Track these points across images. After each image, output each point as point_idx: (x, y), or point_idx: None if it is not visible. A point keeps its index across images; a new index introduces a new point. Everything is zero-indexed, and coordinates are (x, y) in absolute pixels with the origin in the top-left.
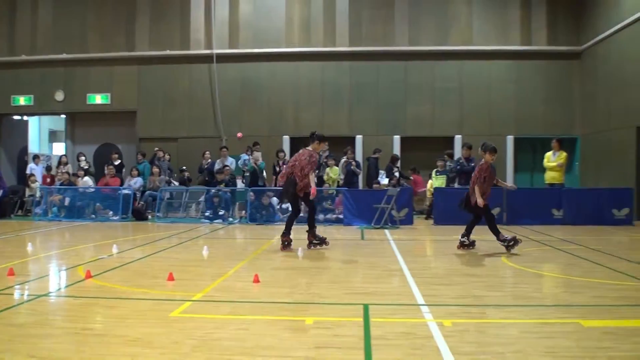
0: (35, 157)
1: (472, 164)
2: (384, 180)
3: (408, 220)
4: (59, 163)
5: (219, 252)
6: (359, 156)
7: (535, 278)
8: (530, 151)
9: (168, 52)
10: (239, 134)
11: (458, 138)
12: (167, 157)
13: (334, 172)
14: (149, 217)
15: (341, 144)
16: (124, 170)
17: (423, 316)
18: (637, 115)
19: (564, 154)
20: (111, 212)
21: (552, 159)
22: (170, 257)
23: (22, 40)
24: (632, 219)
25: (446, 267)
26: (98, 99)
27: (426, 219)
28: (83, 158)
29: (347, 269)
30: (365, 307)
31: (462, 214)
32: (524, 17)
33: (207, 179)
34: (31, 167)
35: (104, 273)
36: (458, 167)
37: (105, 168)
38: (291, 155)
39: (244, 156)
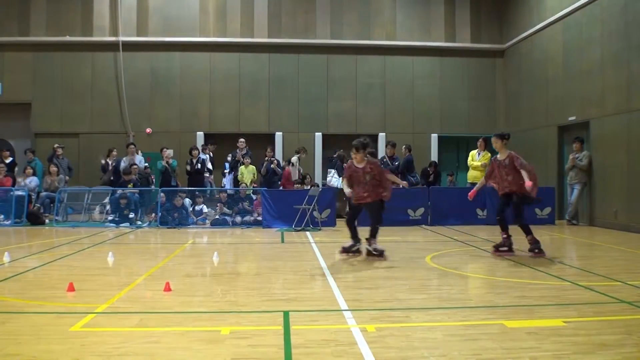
0: None
1: (396, 163)
2: (335, 181)
3: (330, 222)
4: None
5: (126, 259)
6: (279, 155)
7: (459, 279)
8: (454, 150)
9: (68, 38)
10: (148, 130)
11: (382, 136)
12: (137, 152)
13: (249, 172)
14: (47, 221)
15: (260, 141)
16: (16, 169)
17: (346, 322)
18: (558, 114)
19: (488, 155)
20: (2, 216)
21: (477, 158)
22: (71, 265)
23: None
24: (554, 218)
25: (369, 270)
26: None
27: None
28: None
29: (266, 274)
30: (286, 314)
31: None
32: (447, 13)
33: (112, 178)
34: None
35: None
36: (381, 166)
37: None
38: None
39: (202, 155)
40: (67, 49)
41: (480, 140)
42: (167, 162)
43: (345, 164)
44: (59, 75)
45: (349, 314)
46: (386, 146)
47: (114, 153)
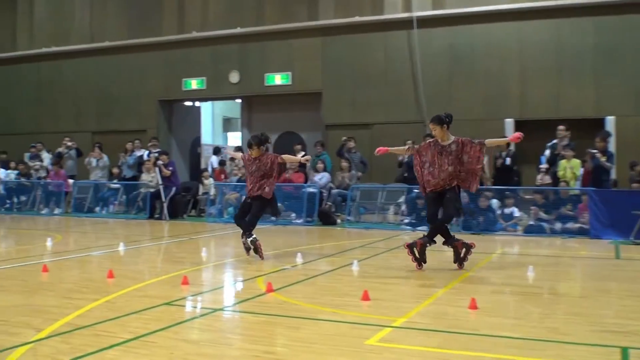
0: (217, 150)
1: None
2: None
3: None
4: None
5: (424, 268)
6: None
7: None
8: None
9: (357, 18)
10: None
11: None
12: None
13: (573, 167)
14: (338, 221)
15: (584, 129)
16: (308, 164)
17: None
18: None
19: None
20: (294, 214)
21: None
22: (365, 271)
23: (192, 15)
24: None
25: None
26: (278, 79)
27: None
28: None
29: (595, 297)
30: (624, 352)
31: None
32: None
33: (406, 175)
34: (212, 160)
35: (287, 287)
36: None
37: None
38: None
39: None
40: (357, 31)
41: None
42: None
43: None
44: (350, 60)
45: None
46: None
47: (408, 144)
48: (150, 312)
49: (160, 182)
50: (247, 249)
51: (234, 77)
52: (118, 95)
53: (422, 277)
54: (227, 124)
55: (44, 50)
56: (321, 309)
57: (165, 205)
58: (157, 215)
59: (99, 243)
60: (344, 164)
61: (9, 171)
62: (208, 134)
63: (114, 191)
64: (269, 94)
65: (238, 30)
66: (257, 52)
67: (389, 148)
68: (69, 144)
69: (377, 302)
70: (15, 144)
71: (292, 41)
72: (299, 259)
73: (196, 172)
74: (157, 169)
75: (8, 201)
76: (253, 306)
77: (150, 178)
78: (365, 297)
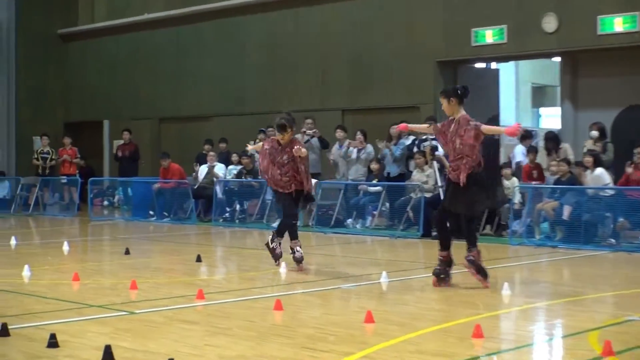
0: (526, 137)
1: None
2: None
3: None
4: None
5: None
6: None
7: None
8: None
9: None
10: None
11: None
12: None
13: None
14: None
15: None
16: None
17: None
18: None
19: None
20: None
21: None
22: None
23: None
24: None
25: None
26: (618, 23)
27: None
28: (595, 133)
29: None
30: None
31: None
32: None
33: None
34: (516, 151)
35: (635, 349)
36: None
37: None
38: None
39: None
40: None
41: None
42: None
43: None
44: None
45: None
46: None
47: None
48: None
49: (439, 183)
50: (278, 257)
51: (550, 23)
52: (378, 57)
53: None
54: (539, 95)
55: None
56: None
57: None
58: (434, 233)
59: (350, 271)
60: None
61: (230, 167)
62: (510, 111)
63: (372, 196)
64: (605, 47)
65: None
66: None
67: (409, 125)
68: (310, 131)
69: None
70: (240, 129)
71: None
72: None
73: (493, 169)
74: (435, 165)
75: (228, 209)
76: None
77: (425, 178)
78: None
